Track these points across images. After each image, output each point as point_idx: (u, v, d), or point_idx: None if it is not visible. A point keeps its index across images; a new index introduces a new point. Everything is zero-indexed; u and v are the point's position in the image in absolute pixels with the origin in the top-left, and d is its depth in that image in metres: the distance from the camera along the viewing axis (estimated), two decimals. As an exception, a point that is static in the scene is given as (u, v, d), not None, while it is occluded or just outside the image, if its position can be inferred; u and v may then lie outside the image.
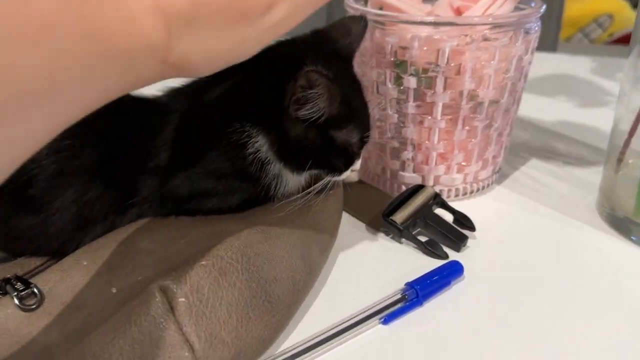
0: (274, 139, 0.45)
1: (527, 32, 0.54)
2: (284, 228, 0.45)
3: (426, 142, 0.56)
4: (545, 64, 0.98)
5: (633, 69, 0.53)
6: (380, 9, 0.55)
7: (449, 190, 0.59)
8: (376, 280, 0.47)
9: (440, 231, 0.52)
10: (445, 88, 0.53)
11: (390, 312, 0.43)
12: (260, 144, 0.45)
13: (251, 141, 0.45)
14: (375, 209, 0.54)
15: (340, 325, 0.41)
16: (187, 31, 0.29)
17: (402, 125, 0.56)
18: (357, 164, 0.49)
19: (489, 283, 0.48)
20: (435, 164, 0.57)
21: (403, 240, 0.53)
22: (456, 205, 0.55)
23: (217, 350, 0.36)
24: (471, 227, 0.53)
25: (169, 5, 0.29)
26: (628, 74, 0.54)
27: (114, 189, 0.45)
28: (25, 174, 0.42)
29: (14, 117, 0.24)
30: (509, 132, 0.61)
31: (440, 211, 0.55)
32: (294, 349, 0.39)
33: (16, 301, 0.39)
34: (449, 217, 0.54)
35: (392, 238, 0.53)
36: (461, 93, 0.53)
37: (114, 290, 0.39)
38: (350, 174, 0.49)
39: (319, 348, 0.40)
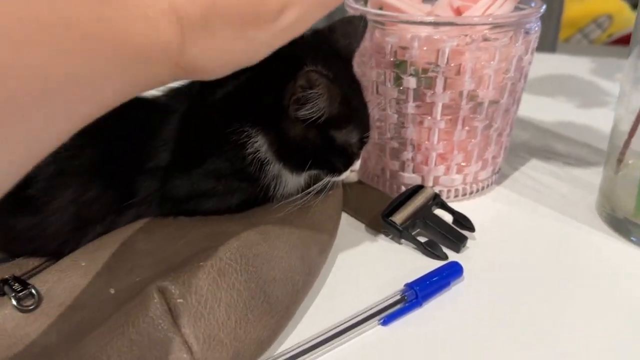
0: (274, 139, 0.45)
1: (527, 33, 0.54)
2: (283, 229, 0.45)
3: (426, 142, 0.56)
4: (545, 64, 0.98)
5: (633, 69, 0.53)
6: (380, 9, 0.55)
7: (449, 191, 0.59)
8: (375, 281, 0.47)
9: (440, 232, 0.52)
10: (445, 88, 0.53)
11: (390, 313, 0.43)
12: (260, 144, 0.45)
13: (250, 141, 0.44)
14: (375, 209, 0.54)
15: (339, 326, 0.41)
16: (200, 34, 0.30)
17: (401, 125, 0.56)
18: (357, 165, 0.48)
19: (488, 284, 0.48)
20: (435, 164, 0.57)
21: (402, 240, 0.52)
22: (456, 205, 0.55)
23: (215, 352, 0.36)
24: (471, 228, 0.53)
25: (183, 8, 0.29)
26: (628, 74, 0.53)
27: (112, 189, 0.45)
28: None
29: (33, 115, 0.24)
30: (509, 132, 0.61)
31: (439, 212, 0.54)
32: (293, 350, 0.39)
33: (14, 302, 0.39)
34: (448, 218, 0.54)
35: (392, 239, 0.53)
36: (461, 93, 0.53)
37: (112, 291, 0.39)
38: (350, 175, 0.49)
39: (318, 349, 0.40)
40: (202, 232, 0.44)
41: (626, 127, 0.54)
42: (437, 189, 0.57)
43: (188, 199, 0.47)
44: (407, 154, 0.57)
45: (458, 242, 0.51)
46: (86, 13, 0.25)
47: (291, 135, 0.44)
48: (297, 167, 0.46)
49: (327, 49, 0.47)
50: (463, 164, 0.58)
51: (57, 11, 0.24)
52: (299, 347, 0.39)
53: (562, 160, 0.69)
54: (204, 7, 0.30)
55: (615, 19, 1.66)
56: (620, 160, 0.55)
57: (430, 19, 0.51)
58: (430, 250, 0.50)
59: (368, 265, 0.50)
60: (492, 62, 0.52)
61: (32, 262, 0.44)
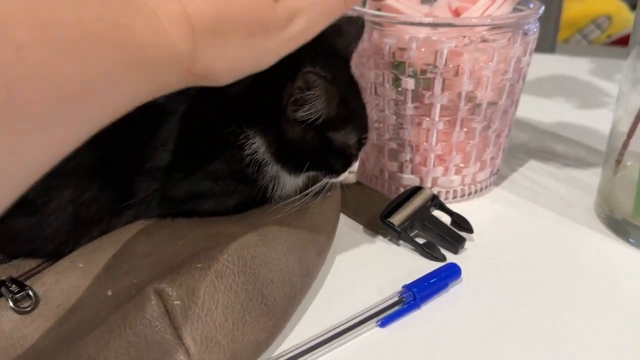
0: (272, 141, 0.45)
1: (525, 34, 0.54)
2: (281, 230, 0.45)
3: (424, 143, 0.56)
4: (544, 65, 0.98)
5: (632, 70, 0.53)
6: (379, 10, 0.55)
7: (447, 192, 0.59)
8: (373, 283, 0.47)
9: (438, 233, 0.52)
10: (443, 89, 0.53)
11: (388, 314, 0.43)
12: (258, 146, 0.45)
13: (248, 142, 0.44)
14: (373, 210, 0.54)
15: (337, 328, 0.41)
16: (211, 42, 0.31)
17: (400, 126, 0.56)
18: (355, 166, 0.48)
19: (486, 285, 0.48)
20: (433, 165, 0.57)
21: (401, 242, 0.52)
22: (454, 207, 0.55)
23: (212, 354, 0.36)
24: (469, 229, 0.53)
25: (196, 16, 0.30)
26: (627, 75, 0.53)
27: (111, 190, 0.45)
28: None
29: (53, 121, 0.25)
30: (507, 133, 0.61)
31: (438, 213, 0.54)
32: (291, 352, 0.39)
33: (11, 304, 0.39)
34: (446, 219, 0.54)
35: (390, 240, 0.53)
36: (459, 94, 0.53)
37: (109, 292, 0.39)
38: (348, 176, 0.49)
39: (315, 351, 0.40)
40: (200, 233, 0.44)
41: (625, 128, 0.54)
42: (435, 190, 0.57)
43: (186, 200, 0.47)
44: (406, 155, 0.57)
45: (456, 244, 0.51)
46: (103, 20, 0.26)
47: (289, 137, 0.44)
48: (295, 168, 0.46)
49: (326, 50, 0.47)
50: (461, 165, 0.58)
51: (75, 18, 0.25)
52: (297, 348, 0.39)
53: (560, 161, 0.69)
54: (215, 15, 0.31)
55: (614, 19, 1.65)
56: (618, 162, 0.55)
57: (429, 20, 0.51)
58: (428, 251, 0.50)
59: (366, 266, 0.50)
60: (490, 64, 0.52)
61: (29, 264, 0.44)
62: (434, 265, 0.48)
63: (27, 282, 0.41)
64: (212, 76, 0.33)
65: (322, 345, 0.40)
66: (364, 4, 0.58)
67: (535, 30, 0.55)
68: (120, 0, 0.28)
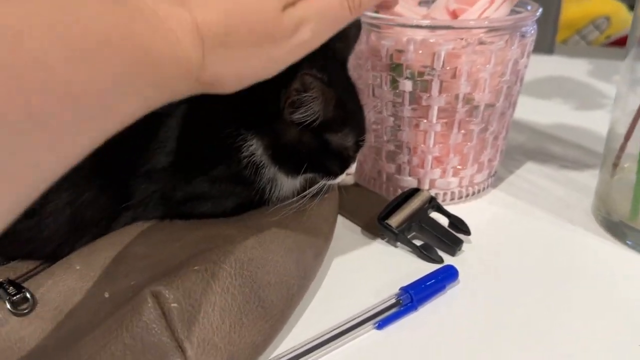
0: (269, 143, 0.45)
1: (523, 36, 0.54)
2: (279, 232, 0.45)
3: (422, 145, 0.56)
4: (542, 66, 0.98)
5: (629, 71, 0.53)
6: (376, 12, 0.55)
7: (445, 194, 0.59)
8: (371, 285, 0.47)
9: (436, 235, 0.52)
10: (440, 91, 0.53)
11: (385, 317, 0.43)
12: (255, 148, 0.45)
13: (246, 145, 0.44)
14: (371, 212, 0.54)
15: (334, 330, 0.41)
16: (219, 51, 0.32)
17: (397, 128, 0.56)
18: (352, 168, 0.48)
19: (484, 287, 0.48)
20: (431, 167, 0.57)
21: (398, 244, 0.52)
22: (452, 208, 0.55)
23: (209, 356, 0.36)
24: (466, 231, 0.53)
25: (205, 26, 0.31)
26: (624, 76, 0.53)
27: (108, 192, 0.45)
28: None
29: (68, 129, 0.25)
30: (505, 135, 0.61)
31: (435, 215, 0.54)
32: (288, 354, 0.39)
33: (8, 306, 0.39)
34: (444, 221, 0.54)
35: (388, 242, 0.53)
36: (457, 96, 0.53)
37: (106, 294, 0.39)
38: (346, 178, 0.49)
39: (312, 353, 0.40)
40: (198, 235, 0.44)
41: (622, 129, 0.54)
42: (433, 192, 0.57)
43: (184, 201, 0.47)
44: (403, 157, 0.58)
45: (454, 246, 0.51)
46: (116, 29, 0.27)
47: (286, 139, 0.44)
48: (292, 170, 0.46)
49: (323, 52, 0.46)
50: (459, 167, 0.58)
51: (89, 27, 0.26)
52: (294, 351, 0.39)
53: (558, 163, 0.69)
54: (224, 25, 0.31)
55: (613, 20, 1.66)
56: (616, 164, 0.55)
57: (426, 22, 0.51)
58: (425, 253, 0.50)
59: (364, 268, 0.50)
60: (487, 66, 0.52)
61: (27, 266, 0.44)
62: (432, 267, 0.49)
63: (25, 284, 0.41)
64: (219, 84, 0.34)
65: (320, 347, 0.40)
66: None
67: (532, 32, 0.55)
68: (132, 9, 0.29)
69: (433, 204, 0.54)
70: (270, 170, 0.46)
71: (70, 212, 0.43)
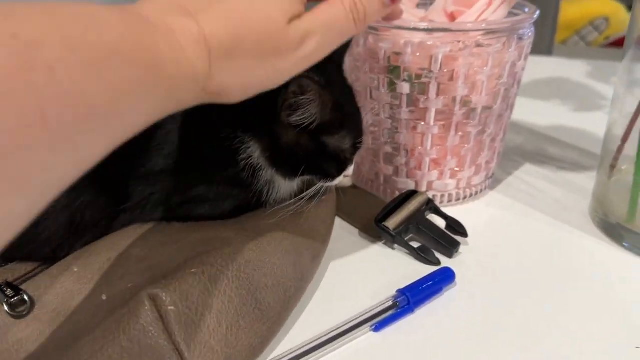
0: (266, 145, 0.45)
1: (520, 38, 0.54)
2: (276, 235, 0.45)
3: (419, 147, 0.56)
4: (541, 67, 0.98)
5: (627, 72, 0.53)
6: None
7: (442, 196, 0.59)
8: (368, 287, 0.47)
9: (433, 237, 0.52)
10: (438, 94, 0.53)
11: (382, 319, 0.43)
12: (253, 150, 0.45)
13: (243, 147, 0.45)
14: (369, 214, 0.54)
15: (331, 332, 0.41)
16: (226, 62, 0.32)
17: (395, 130, 0.56)
18: (350, 170, 0.48)
19: (480, 289, 0.48)
20: (429, 169, 0.57)
21: (396, 246, 0.53)
22: (449, 210, 0.55)
23: (206, 359, 0.36)
24: (463, 233, 0.53)
25: (212, 37, 0.32)
26: (622, 77, 0.53)
27: (106, 194, 0.45)
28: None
29: (81, 138, 0.26)
30: (502, 137, 0.61)
31: (433, 217, 0.55)
32: (285, 356, 0.39)
33: (6, 308, 0.39)
34: (441, 223, 0.54)
35: (385, 244, 0.53)
36: (454, 99, 0.53)
37: (104, 297, 0.39)
38: (343, 179, 0.49)
39: (309, 355, 0.40)
40: (195, 237, 0.44)
41: (620, 131, 0.54)
42: (430, 194, 0.57)
43: (181, 204, 0.47)
44: (401, 159, 0.58)
45: (451, 248, 0.51)
46: (127, 41, 0.27)
47: (284, 141, 0.44)
48: (289, 172, 0.46)
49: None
50: (456, 169, 0.58)
51: (101, 38, 0.26)
52: (291, 353, 0.40)
53: (556, 164, 0.69)
54: (231, 37, 0.32)
55: (612, 21, 1.66)
56: (613, 166, 0.55)
57: (424, 25, 0.51)
58: (422, 255, 0.50)
59: (361, 270, 0.50)
60: (485, 68, 0.52)
61: (25, 268, 0.44)
62: (429, 269, 0.49)
63: (23, 286, 0.41)
64: (225, 94, 0.34)
65: (316, 349, 0.40)
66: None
67: (530, 34, 0.55)
68: (142, 21, 0.29)
69: (430, 206, 0.55)
70: (268, 173, 0.46)
71: (68, 214, 0.44)
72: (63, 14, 0.26)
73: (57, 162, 0.25)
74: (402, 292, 0.45)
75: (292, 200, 0.48)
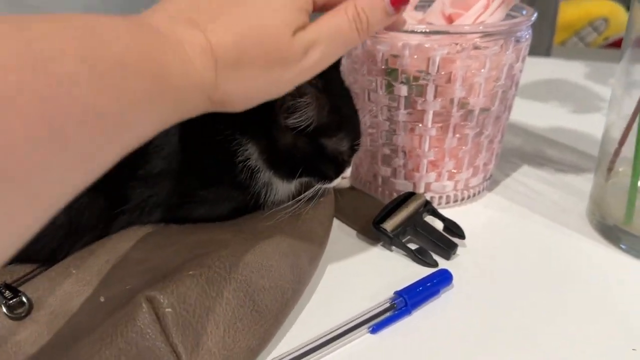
0: (264, 147, 0.45)
1: (517, 41, 0.54)
2: (274, 237, 0.45)
3: (417, 149, 0.56)
4: (539, 68, 0.98)
5: (625, 74, 0.53)
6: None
7: (440, 198, 0.59)
8: (366, 289, 0.47)
9: (430, 239, 0.52)
10: (435, 96, 0.53)
11: (379, 321, 0.43)
12: (250, 152, 0.45)
13: (241, 149, 0.45)
14: (367, 215, 0.54)
15: (328, 334, 0.41)
16: (231, 72, 0.33)
17: (393, 132, 0.56)
18: (348, 172, 0.49)
19: (478, 291, 0.48)
20: (426, 171, 0.58)
21: (393, 247, 0.53)
22: (447, 212, 0.55)
23: (204, 361, 0.37)
24: (461, 235, 0.53)
25: (218, 48, 0.32)
26: (620, 79, 0.53)
27: (104, 196, 0.45)
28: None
29: (92, 149, 0.26)
30: (500, 139, 0.61)
31: (430, 219, 0.55)
32: (282, 358, 0.39)
33: (4, 309, 0.39)
34: (439, 225, 0.54)
35: (383, 245, 0.53)
36: (452, 101, 0.53)
37: (102, 299, 0.40)
38: (341, 181, 0.50)
39: (307, 357, 0.40)
40: (193, 239, 0.45)
41: (617, 133, 0.54)
42: (428, 196, 0.58)
43: (179, 206, 0.47)
44: (399, 161, 0.58)
45: (448, 250, 0.51)
46: (135, 53, 0.28)
47: (281, 143, 0.44)
48: (287, 174, 0.46)
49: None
50: (454, 170, 0.58)
51: (111, 51, 0.27)
52: (289, 355, 0.40)
53: (553, 166, 0.69)
54: (236, 47, 0.33)
55: (611, 22, 1.66)
56: (610, 169, 0.55)
57: (422, 27, 0.51)
58: (420, 257, 0.50)
59: (358, 272, 0.50)
60: (482, 70, 0.52)
61: (23, 269, 0.44)
62: (426, 271, 0.49)
63: (21, 288, 0.41)
64: (229, 102, 0.35)
65: (314, 351, 0.40)
66: None
67: (527, 37, 0.55)
68: (152, 32, 0.30)
69: (428, 207, 0.55)
70: (266, 175, 0.46)
71: (67, 217, 0.44)
72: (76, 26, 0.26)
73: (67, 173, 0.25)
74: (399, 293, 0.45)
75: (290, 202, 0.48)
